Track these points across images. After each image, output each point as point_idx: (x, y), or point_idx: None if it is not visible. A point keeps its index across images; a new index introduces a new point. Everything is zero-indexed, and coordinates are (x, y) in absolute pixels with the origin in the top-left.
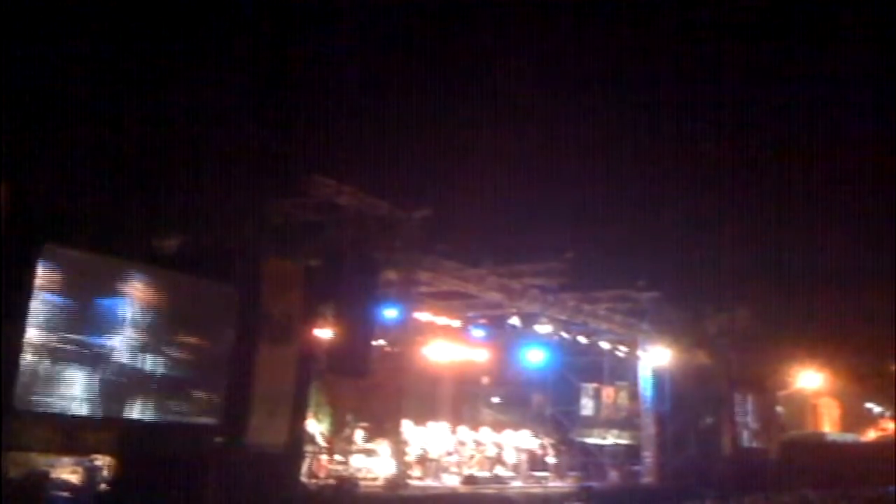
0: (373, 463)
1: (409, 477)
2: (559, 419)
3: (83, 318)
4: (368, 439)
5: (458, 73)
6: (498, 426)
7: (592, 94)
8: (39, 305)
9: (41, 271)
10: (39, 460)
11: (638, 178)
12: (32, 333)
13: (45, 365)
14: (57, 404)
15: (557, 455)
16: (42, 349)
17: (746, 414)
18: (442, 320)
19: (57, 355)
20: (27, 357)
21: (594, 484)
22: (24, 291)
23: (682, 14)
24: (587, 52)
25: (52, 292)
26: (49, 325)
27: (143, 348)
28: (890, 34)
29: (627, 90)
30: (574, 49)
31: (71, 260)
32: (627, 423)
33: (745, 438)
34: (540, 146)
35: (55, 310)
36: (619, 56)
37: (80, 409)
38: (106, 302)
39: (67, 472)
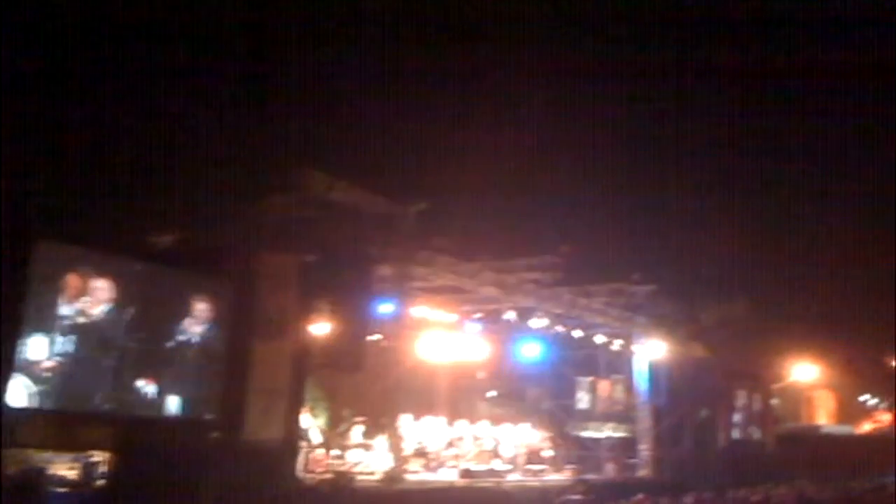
0: (369, 457)
1: (406, 471)
2: (555, 413)
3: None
4: (365, 434)
5: (454, 67)
6: (496, 420)
7: (589, 88)
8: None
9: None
10: (36, 457)
11: (633, 171)
12: None
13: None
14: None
15: (554, 448)
16: None
17: (742, 406)
18: (437, 315)
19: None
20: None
21: (591, 477)
22: (20, 290)
23: (679, 10)
24: (583, 47)
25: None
26: None
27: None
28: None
29: (623, 84)
30: (570, 43)
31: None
32: (624, 416)
33: (742, 431)
34: (536, 140)
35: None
36: (614, 50)
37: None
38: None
39: (64, 468)
